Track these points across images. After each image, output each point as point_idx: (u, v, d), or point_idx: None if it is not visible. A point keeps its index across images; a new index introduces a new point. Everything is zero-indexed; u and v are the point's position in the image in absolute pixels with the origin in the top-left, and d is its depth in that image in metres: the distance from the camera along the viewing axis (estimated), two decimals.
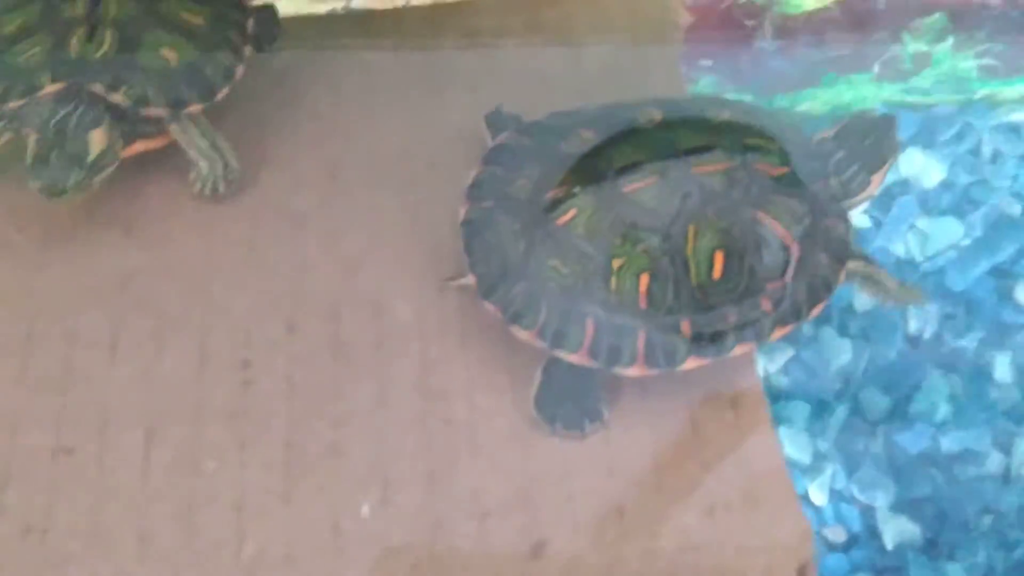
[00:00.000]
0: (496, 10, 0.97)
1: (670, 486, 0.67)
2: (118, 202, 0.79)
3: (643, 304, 0.69)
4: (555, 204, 0.71)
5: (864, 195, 0.79)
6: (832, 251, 0.72)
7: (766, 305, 0.70)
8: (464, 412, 0.70)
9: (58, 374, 0.71)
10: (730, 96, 1.15)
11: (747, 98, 1.16)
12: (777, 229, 0.70)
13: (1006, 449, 0.96)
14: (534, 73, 0.91)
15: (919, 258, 1.07)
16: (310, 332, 0.74)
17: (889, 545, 0.92)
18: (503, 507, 0.66)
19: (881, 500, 0.94)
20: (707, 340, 0.69)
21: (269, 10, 0.93)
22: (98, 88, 0.79)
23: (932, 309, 1.04)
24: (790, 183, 0.72)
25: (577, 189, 0.71)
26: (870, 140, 0.77)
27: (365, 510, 0.66)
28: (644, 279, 0.69)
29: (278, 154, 0.84)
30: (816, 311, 0.72)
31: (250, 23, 0.87)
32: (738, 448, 0.69)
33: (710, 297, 0.69)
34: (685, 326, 0.69)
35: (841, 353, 1.00)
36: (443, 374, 0.72)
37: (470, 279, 0.72)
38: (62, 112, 0.78)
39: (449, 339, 0.74)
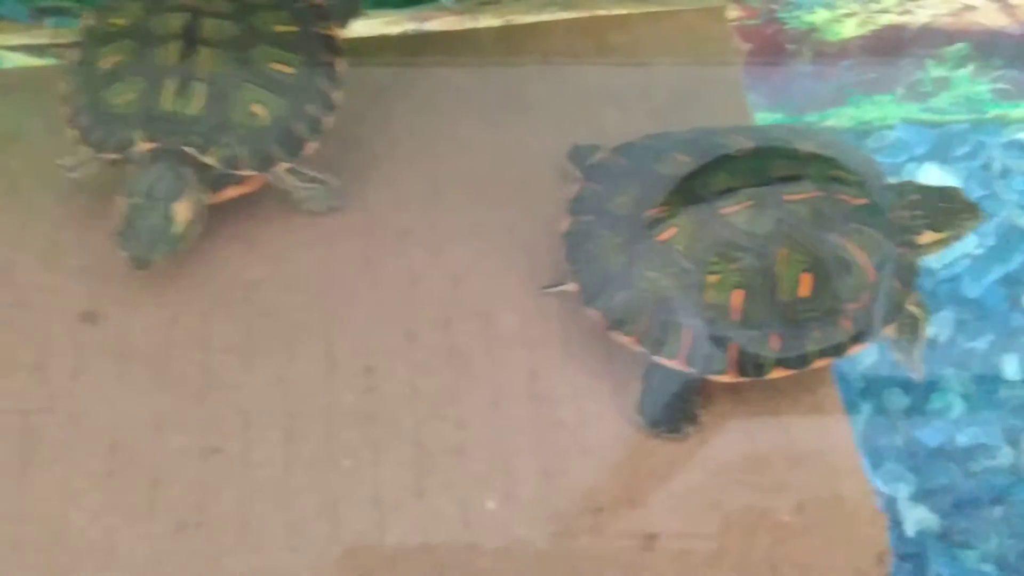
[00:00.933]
0: (567, 33, 1.02)
1: (764, 484, 0.74)
2: (239, 218, 0.83)
3: (736, 317, 0.75)
4: (656, 221, 0.77)
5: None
6: (902, 277, 0.79)
7: (845, 324, 0.77)
8: (572, 415, 0.77)
9: (198, 379, 0.76)
10: (766, 114, 1.22)
11: (779, 115, 1.23)
12: (857, 255, 0.77)
13: (1015, 443, 1.02)
14: (607, 94, 0.96)
15: (936, 266, 1.14)
16: (425, 340, 0.79)
17: (910, 533, 0.97)
18: (614, 502, 0.73)
19: (903, 491, 0.98)
20: (792, 353, 0.76)
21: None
22: (190, 149, 0.80)
23: (948, 314, 1.11)
24: (869, 212, 0.78)
25: (677, 209, 0.78)
26: (949, 206, 0.83)
27: (490, 504, 0.72)
28: (738, 295, 0.75)
29: (380, 172, 0.89)
30: (888, 330, 0.79)
31: (339, 63, 0.87)
32: (821, 449, 0.76)
33: (796, 314, 0.76)
34: (773, 340, 0.75)
35: (866, 355, 1.07)
36: (549, 380, 0.78)
37: (571, 287, 0.78)
38: (153, 175, 0.79)
39: (552, 347, 0.80)
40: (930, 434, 1.03)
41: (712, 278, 0.75)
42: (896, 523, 0.97)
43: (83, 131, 0.81)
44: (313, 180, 0.84)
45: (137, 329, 0.78)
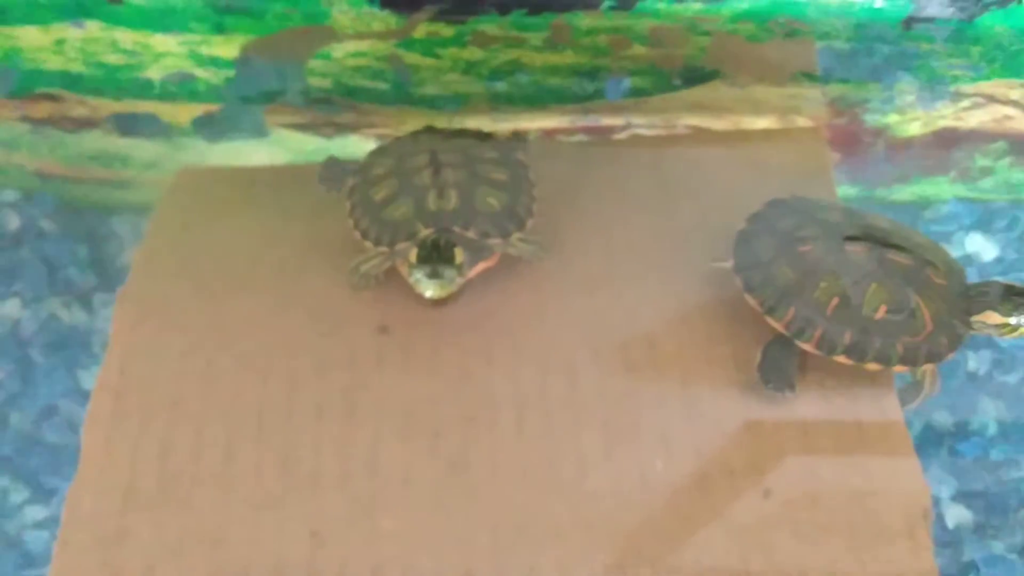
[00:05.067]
0: (701, 141, 1.34)
1: (845, 459, 1.03)
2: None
3: (829, 312, 1.06)
4: (802, 239, 1.10)
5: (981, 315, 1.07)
6: (949, 337, 1.07)
7: (899, 348, 1.06)
8: (713, 410, 1.06)
9: (457, 372, 1.08)
10: (847, 187, 1.49)
11: (856, 189, 1.49)
12: (924, 310, 1.06)
13: None
14: (733, 186, 1.26)
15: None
16: (609, 356, 1.10)
17: (950, 526, 1.16)
18: (744, 469, 1.02)
19: (945, 492, 1.19)
20: (857, 349, 1.06)
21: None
22: (457, 229, 1.08)
23: (986, 354, 1.33)
24: (943, 290, 1.07)
25: (819, 235, 1.10)
26: (1020, 298, 1.05)
27: (658, 465, 1.02)
28: (835, 300, 1.07)
29: (567, 237, 1.20)
30: (926, 367, 1.08)
31: (532, 171, 1.17)
32: (885, 439, 1.05)
33: (868, 327, 1.06)
34: (847, 335, 1.06)
35: None
36: (697, 386, 1.08)
37: (729, 263, 1.12)
38: (433, 239, 1.07)
39: (699, 364, 1.09)
40: (969, 448, 1.22)
41: (822, 284, 1.07)
42: (939, 518, 1.18)
43: (375, 239, 1.10)
44: (534, 243, 1.17)
45: (416, 338, 1.10)
